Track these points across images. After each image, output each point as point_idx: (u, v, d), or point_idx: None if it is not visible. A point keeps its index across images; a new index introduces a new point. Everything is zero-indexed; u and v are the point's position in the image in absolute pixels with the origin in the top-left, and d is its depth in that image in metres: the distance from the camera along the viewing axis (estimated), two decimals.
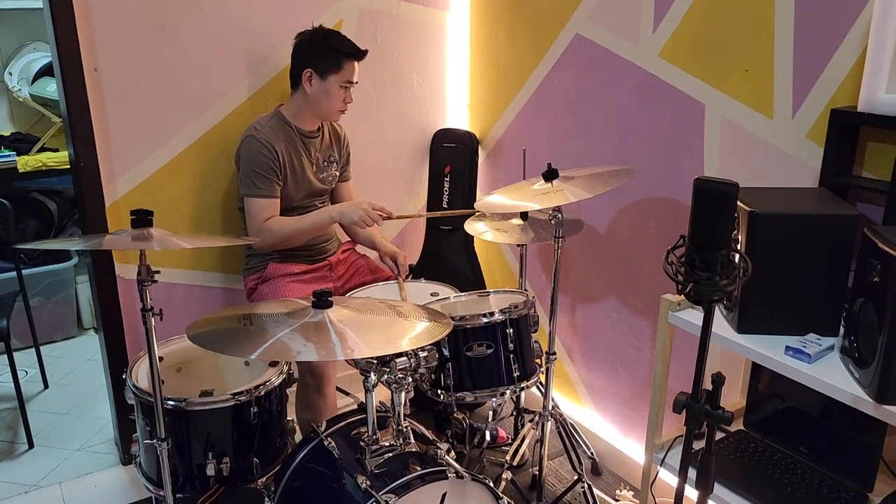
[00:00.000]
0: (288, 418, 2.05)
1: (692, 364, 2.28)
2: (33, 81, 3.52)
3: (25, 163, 3.31)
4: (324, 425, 1.89)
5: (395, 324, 1.55)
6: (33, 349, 3.19)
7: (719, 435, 1.87)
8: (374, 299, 1.77)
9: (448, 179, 2.98)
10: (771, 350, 1.54)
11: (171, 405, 1.79)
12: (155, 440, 1.73)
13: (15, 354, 2.76)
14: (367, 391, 1.73)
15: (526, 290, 2.52)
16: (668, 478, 2.10)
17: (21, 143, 3.49)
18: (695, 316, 1.73)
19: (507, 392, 1.96)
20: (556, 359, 2.22)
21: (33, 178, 3.46)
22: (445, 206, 2.99)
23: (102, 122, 2.36)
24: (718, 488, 1.68)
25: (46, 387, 3.22)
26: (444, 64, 3.01)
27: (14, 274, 3.00)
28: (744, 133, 1.98)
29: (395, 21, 2.84)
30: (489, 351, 1.93)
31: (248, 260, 2.54)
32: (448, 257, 3.00)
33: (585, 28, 2.42)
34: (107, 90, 2.34)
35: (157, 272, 1.66)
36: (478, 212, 2.46)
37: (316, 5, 2.65)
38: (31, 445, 2.79)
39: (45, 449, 2.78)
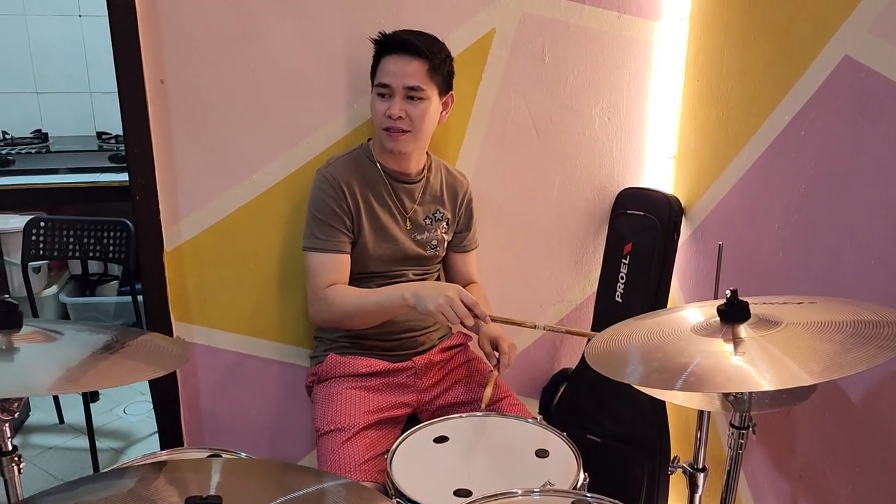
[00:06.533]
0: None
1: None
2: None
3: None
4: None
5: None
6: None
7: None
8: None
9: (627, 263, 2.05)
10: None
11: None
12: None
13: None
14: None
15: (705, 467, 1.54)
16: None
17: None
18: None
19: None
20: None
21: None
22: (619, 299, 2.07)
23: (167, 147, 1.88)
24: None
25: None
26: (644, 96, 2.09)
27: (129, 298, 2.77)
28: None
29: (572, 33, 2.00)
30: None
31: (317, 344, 1.90)
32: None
33: (861, 47, 1.38)
34: (174, 108, 1.86)
35: (18, 401, 1.06)
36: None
37: (454, 9, 1.93)
38: None
39: None
